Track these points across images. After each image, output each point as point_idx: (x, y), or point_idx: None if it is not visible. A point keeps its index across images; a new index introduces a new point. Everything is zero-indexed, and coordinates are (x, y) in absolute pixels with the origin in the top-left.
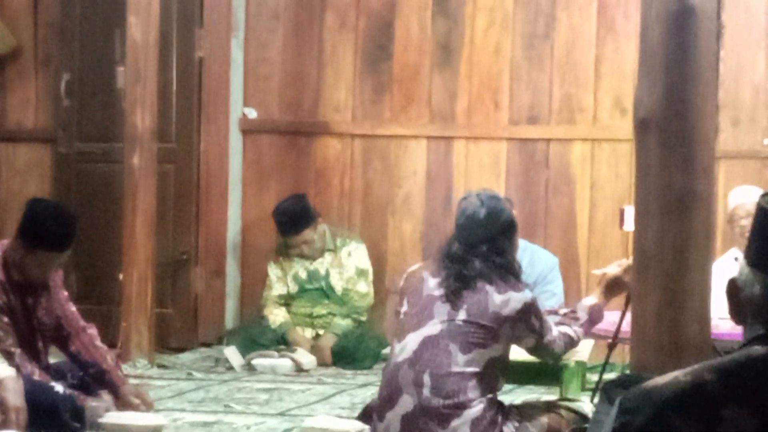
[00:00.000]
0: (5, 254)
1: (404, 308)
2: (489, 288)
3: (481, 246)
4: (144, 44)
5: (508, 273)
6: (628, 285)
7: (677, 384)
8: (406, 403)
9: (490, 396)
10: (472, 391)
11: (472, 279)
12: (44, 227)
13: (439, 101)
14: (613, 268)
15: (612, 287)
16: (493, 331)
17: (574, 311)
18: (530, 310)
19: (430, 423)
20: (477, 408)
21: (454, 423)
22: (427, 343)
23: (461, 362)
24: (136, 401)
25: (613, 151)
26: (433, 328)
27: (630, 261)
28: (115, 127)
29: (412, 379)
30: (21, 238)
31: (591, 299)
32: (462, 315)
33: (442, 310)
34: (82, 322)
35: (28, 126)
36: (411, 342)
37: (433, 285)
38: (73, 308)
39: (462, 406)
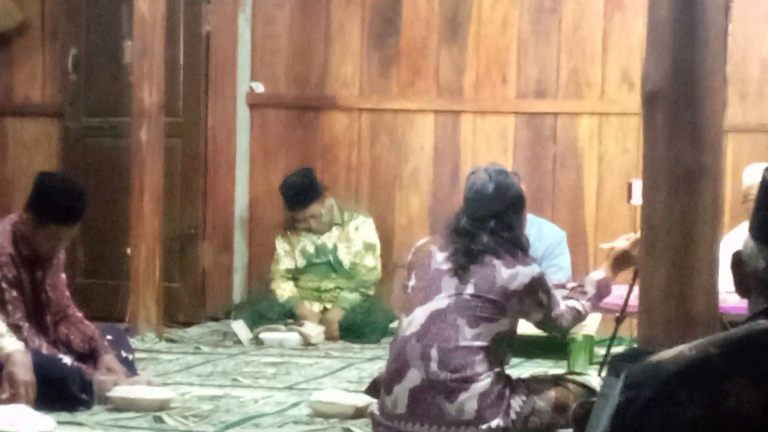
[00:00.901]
0: (15, 228)
1: (412, 282)
2: (497, 262)
3: (489, 221)
4: (151, 19)
5: (516, 247)
6: (636, 259)
7: (682, 358)
8: (413, 376)
9: (497, 370)
10: (479, 365)
11: (479, 253)
12: (55, 201)
13: (446, 75)
14: (622, 242)
15: (620, 261)
16: (501, 305)
17: (581, 285)
18: (538, 285)
19: (438, 396)
20: (484, 382)
21: (462, 396)
22: (435, 317)
23: (469, 336)
24: (107, 369)
25: (620, 125)
26: (440, 302)
27: (638, 235)
28: (123, 102)
29: (420, 353)
30: (31, 211)
31: (599, 273)
32: (470, 289)
33: (449, 284)
34: (71, 309)
35: (36, 101)
36: (418, 316)
37: (440, 259)
38: (67, 293)
39: (469, 380)
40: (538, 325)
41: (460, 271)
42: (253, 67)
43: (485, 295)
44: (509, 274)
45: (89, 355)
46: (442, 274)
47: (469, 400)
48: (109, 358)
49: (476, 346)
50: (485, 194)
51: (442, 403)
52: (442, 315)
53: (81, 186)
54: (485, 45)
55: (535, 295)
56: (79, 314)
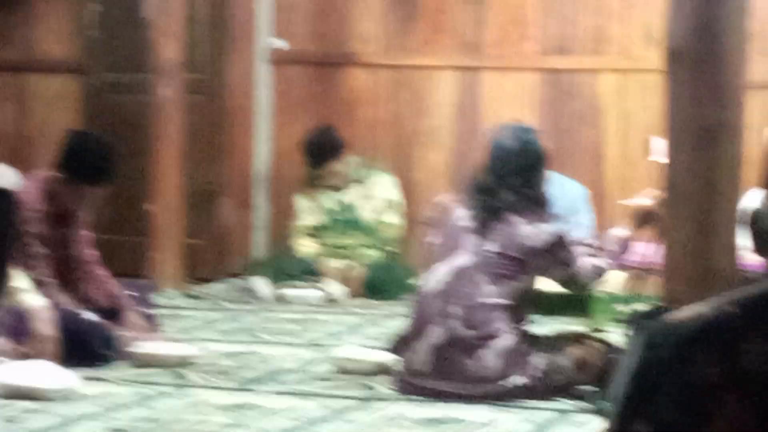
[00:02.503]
0: (44, 185)
1: (433, 239)
2: (518, 220)
3: (512, 178)
4: None
5: (538, 205)
6: (660, 217)
7: (700, 318)
8: (435, 333)
9: (519, 327)
10: (500, 322)
11: (501, 211)
12: (88, 162)
13: (467, 32)
14: (645, 200)
15: (643, 219)
16: (522, 263)
17: (602, 242)
18: (559, 242)
19: (459, 353)
20: (505, 338)
21: (483, 353)
22: (457, 274)
23: (490, 294)
24: (130, 327)
25: (642, 82)
26: (462, 259)
27: (661, 192)
28: (143, 58)
29: (441, 310)
30: (62, 171)
31: (621, 230)
32: (491, 246)
33: (471, 241)
34: (94, 265)
35: (57, 56)
36: (441, 273)
37: (462, 216)
38: (91, 251)
39: (490, 337)
40: (559, 281)
41: (482, 228)
42: (274, 23)
43: (507, 252)
44: (530, 232)
45: (112, 312)
46: (464, 230)
47: (489, 357)
48: (132, 315)
49: (497, 303)
50: (508, 151)
51: (463, 359)
52: (463, 272)
53: (113, 146)
54: (506, 1)
55: (556, 253)
56: (103, 271)
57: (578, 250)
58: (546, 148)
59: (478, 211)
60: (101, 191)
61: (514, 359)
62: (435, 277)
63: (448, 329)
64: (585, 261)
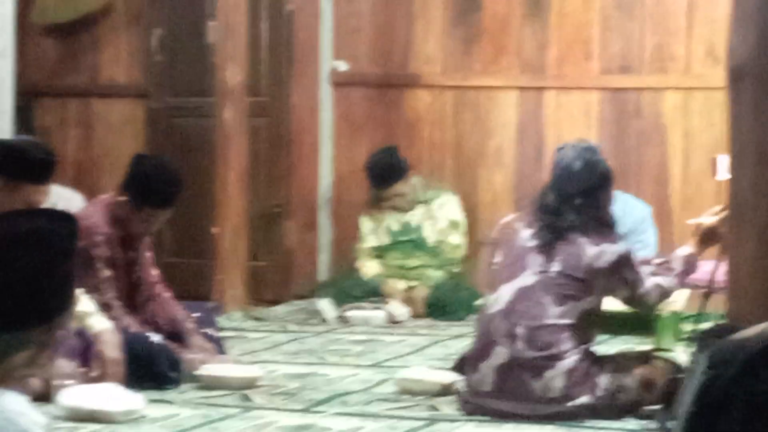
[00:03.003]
0: (109, 208)
1: (498, 259)
2: (582, 240)
3: (576, 198)
4: None
5: (602, 225)
6: (723, 235)
7: (764, 336)
8: (500, 354)
9: (583, 347)
10: (565, 343)
11: (565, 231)
12: (151, 185)
13: (529, 52)
14: (709, 218)
15: (707, 237)
16: (587, 283)
17: (668, 261)
18: (624, 262)
19: (524, 374)
20: (571, 359)
21: (548, 374)
22: (521, 294)
23: (555, 314)
24: (194, 348)
25: (706, 100)
26: (526, 279)
27: (725, 211)
28: (207, 82)
29: (506, 330)
30: (127, 194)
31: (685, 249)
32: (555, 267)
33: (535, 261)
34: (159, 287)
35: (121, 82)
36: (504, 293)
37: (526, 236)
38: (155, 272)
39: (555, 358)
40: (624, 301)
41: (546, 248)
42: (336, 45)
43: (571, 273)
44: (595, 252)
45: (176, 335)
46: (528, 251)
47: (555, 378)
48: (196, 338)
49: (562, 324)
50: (573, 171)
51: (528, 380)
52: (528, 293)
53: (177, 170)
54: (568, 20)
55: (621, 273)
56: (167, 294)
57: (643, 269)
58: (610, 167)
59: (542, 230)
60: (165, 214)
61: (580, 380)
62: (499, 297)
63: (512, 350)
64: (649, 281)
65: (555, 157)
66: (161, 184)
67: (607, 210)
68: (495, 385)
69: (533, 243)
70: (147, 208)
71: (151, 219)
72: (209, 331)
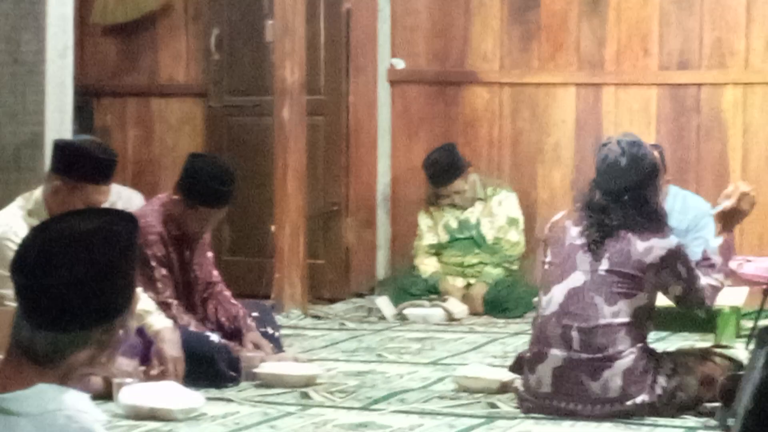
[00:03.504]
0: (164, 208)
1: (548, 258)
2: (631, 236)
3: (623, 194)
4: None
5: (651, 220)
6: (744, 210)
7: None
8: (555, 357)
9: (640, 345)
10: (621, 342)
11: (613, 228)
12: (205, 184)
13: (587, 48)
14: (726, 201)
15: (730, 218)
16: (637, 279)
17: (707, 259)
18: (675, 257)
19: (582, 375)
20: (628, 358)
21: (606, 374)
22: (572, 295)
23: (608, 314)
24: (252, 346)
25: (765, 95)
26: (576, 279)
27: (740, 187)
28: (265, 81)
29: (560, 333)
30: (181, 193)
31: (717, 240)
32: (605, 265)
33: (584, 260)
34: (219, 286)
35: (180, 81)
36: (556, 295)
37: (575, 234)
38: (216, 272)
39: (612, 358)
40: (678, 299)
41: (594, 246)
42: (393, 43)
43: (621, 269)
44: (644, 247)
45: (236, 334)
46: (577, 249)
47: (613, 378)
48: (254, 336)
49: (616, 323)
50: (618, 167)
51: (586, 381)
52: (579, 293)
53: (231, 169)
54: (626, 16)
55: (672, 268)
56: (227, 293)
57: (697, 267)
58: (661, 160)
59: (590, 228)
60: (219, 214)
61: (638, 378)
62: (551, 299)
63: (567, 352)
64: (704, 279)
65: (599, 152)
66: (215, 183)
67: (656, 203)
68: (553, 387)
69: (581, 241)
70: (200, 207)
71: (205, 218)
72: (268, 329)
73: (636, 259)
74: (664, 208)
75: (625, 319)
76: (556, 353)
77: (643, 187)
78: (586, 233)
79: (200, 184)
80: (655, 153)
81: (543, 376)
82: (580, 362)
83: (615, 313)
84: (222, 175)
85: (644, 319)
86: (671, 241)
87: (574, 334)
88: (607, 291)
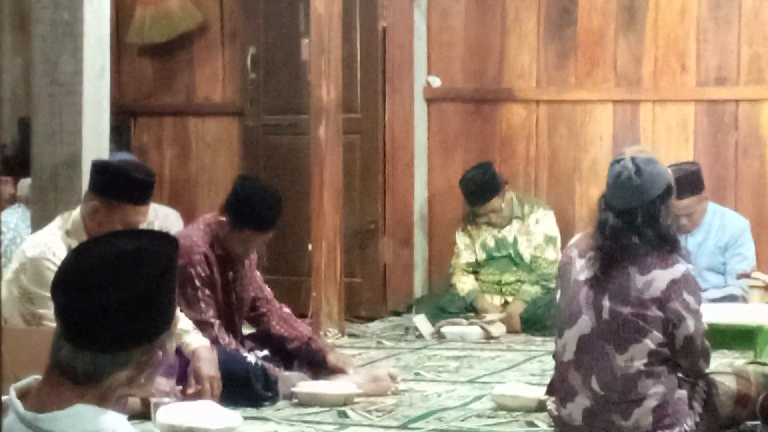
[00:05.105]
0: (210, 228)
1: (558, 295)
2: (631, 269)
3: (636, 214)
4: (327, 16)
5: (663, 244)
6: None
7: None
8: (582, 400)
9: (665, 380)
10: (642, 387)
11: (619, 259)
12: (254, 208)
13: (624, 65)
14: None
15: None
16: (642, 317)
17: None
18: (680, 286)
19: (612, 415)
20: (655, 397)
21: (636, 413)
22: (583, 344)
23: (621, 363)
24: (343, 365)
25: None
26: (584, 326)
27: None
28: (301, 99)
29: (582, 381)
30: (228, 215)
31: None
32: (606, 304)
33: (588, 300)
34: (277, 303)
35: (216, 100)
36: (570, 342)
37: (579, 268)
38: (268, 289)
39: (639, 401)
40: (686, 342)
41: (595, 281)
42: (429, 61)
43: (621, 311)
44: (643, 282)
45: (304, 353)
46: (581, 286)
47: (644, 416)
48: (336, 354)
49: (633, 371)
50: (631, 185)
51: (617, 420)
52: (589, 342)
53: (279, 194)
54: (664, 33)
55: (678, 298)
56: (288, 310)
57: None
58: (672, 176)
59: (594, 260)
60: (264, 237)
61: (671, 411)
62: (566, 346)
63: (593, 398)
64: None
65: (611, 169)
66: (262, 207)
67: (668, 224)
68: (584, 422)
69: (585, 275)
70: (247, 230)
71: (250, 240)
72: None
73: (635, 296)
74: (675, 232)
75: (642, 364)
76: (583, 398)
77: (657, 207)
78: (589, 264)
79: (249, 208)
80: (693, 170)
81: (573, 413)
82: (608, 404)
83: (628, 360)
84: (270, 199)
85: (664, 356)
86: (676, 271)
87: (595, 384)
88: (615, 339)
